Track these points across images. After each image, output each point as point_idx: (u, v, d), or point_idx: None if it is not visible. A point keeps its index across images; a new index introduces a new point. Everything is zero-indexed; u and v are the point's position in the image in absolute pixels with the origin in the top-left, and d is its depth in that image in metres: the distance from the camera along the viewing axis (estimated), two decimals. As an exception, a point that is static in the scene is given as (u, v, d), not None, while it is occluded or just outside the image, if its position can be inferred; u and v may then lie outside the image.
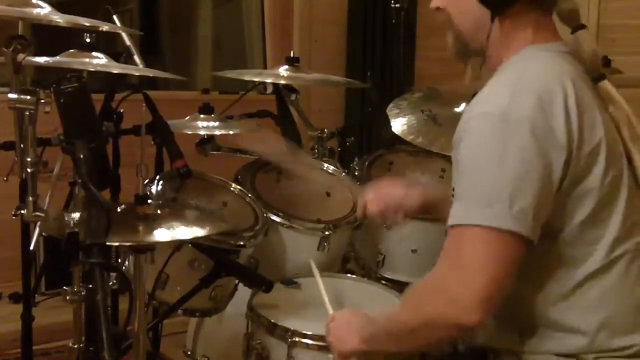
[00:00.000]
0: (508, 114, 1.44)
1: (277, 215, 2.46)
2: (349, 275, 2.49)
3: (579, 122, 1.48)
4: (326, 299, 2.01)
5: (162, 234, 1.76)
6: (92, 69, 1.96)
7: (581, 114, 1.49)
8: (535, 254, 1.49)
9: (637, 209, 1.58)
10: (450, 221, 1.48)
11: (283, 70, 2.75)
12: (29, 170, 1.73)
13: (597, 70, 1.64)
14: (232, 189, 2.52)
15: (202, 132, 2.61)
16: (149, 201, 1.82)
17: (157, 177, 2.34)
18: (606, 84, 1.64)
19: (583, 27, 1.65)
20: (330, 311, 1.96)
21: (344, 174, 2.78)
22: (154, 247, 1.78)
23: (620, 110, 1.62)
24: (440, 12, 1.70)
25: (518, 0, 1.58)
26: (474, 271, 1.41)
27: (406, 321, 1.57)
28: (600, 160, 1.51)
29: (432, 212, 2.07)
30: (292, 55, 2.79)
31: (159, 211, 1.83)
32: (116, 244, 1.73)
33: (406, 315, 1.58)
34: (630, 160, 1.61)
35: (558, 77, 1.52)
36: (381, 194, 2.10)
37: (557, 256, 1.54)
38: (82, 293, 1.83)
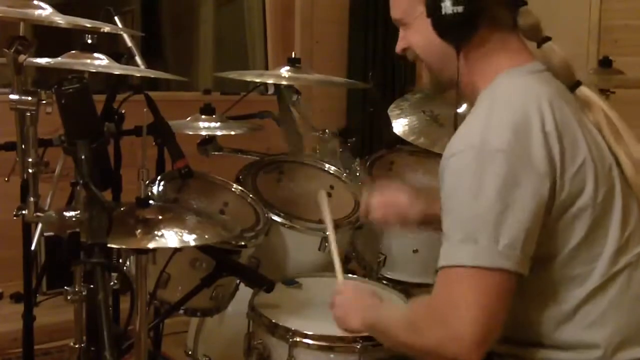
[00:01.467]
0: (482, 148, 1.43)
1: (279, 216, 2.46)
2: (350, 275, 2.49)
3: (560, 146, 1.46)
4: (337, 263, 2.04)
5: (162, 240, 1.76)
6: (94, 70, 1.97)
7: (561, 136, 1.47)
8: (534, 278, 1.47)
9: (633, 219, 1.55)
10: (440, 261, 1.46)
11: (284, 71, 2.75)
12: (30, 170, 1.73)
13: (571, 78, 1.63)
14: (233, 189, 2.52)
15: (203, 133, 2.62)
16: (151, 202, 1.83)
17: (159, 178, 2.35)
18: (583, 90, 1.62)
19: (548, 39, 1.63)
20: (341, 278, 2.00)
21: (345, 174, 2.78)
22: (155, 248, 1.79)
23: (598, 112, 1.60)
24: (408, 52, 1.71)
25: (476, 31, 1.56)
26: (467, 313, 1.40)
27: (401, 336, 1.58)
28: (589, 178, 1.48)
29: (432, 225, 2.04)
30: (293, 56, 2.79)
31: (160, 216, 1.83)
32: (117, 247, 1.73)
33: (406, 335, 1.56)
34: (617, 161, 1.58)
35: (534, 102, 1.49)
36: (386, 200, 2.09)
37: (557, 278, 1.51)
38: (84, 293, 1.83)
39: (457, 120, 1.62)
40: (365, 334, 1.83)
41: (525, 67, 1.60)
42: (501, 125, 1.45)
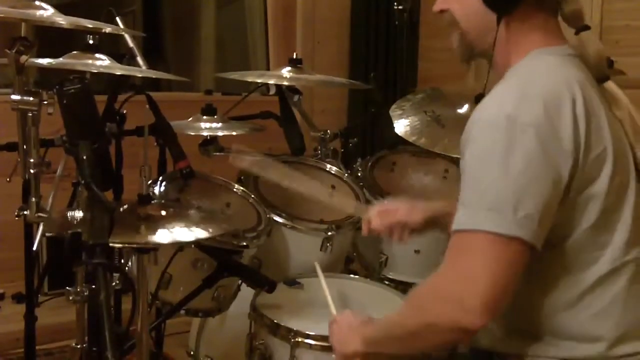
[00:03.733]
0: (514, 120, 1.43)
1: (280, 216, 2.46)
2: (352, 275, 2.49)
3: (586, 129, 1.47)
4: (330, 302, 2.01)
5: (164, 236, 1.76)
6: (95, 71, 1.96)
7: (589, 120, 1.48)
8: (543, 260, 1.49)
9: None
10: (455, 226, 1.46)
11: (286, 71, 2.75)
12: (32, 171, 1.74)
13: (602, 71, 1.64)
14: (235, 189, 2.52)
15: (205, 133, 2.61)
16: (153, 200, 1.83)
17: (160, 178, 2.35)
18: (610, 85, 1.64)
19: (587, 27, 1.63)
20: (334, 312, 1.96)
21: (346, 174, 2.78)
22: (157, 247, 1.79)
23: (623, 110, 1.62)
24: (445, 14, 1.70)
25: (523, 1, 1.57)
26: (478, 276, 1.40)
27: (408, 324, 1.56)
28: (607, 165, 1.50)
29: (436, 227, 2.05)
30: (295, 56, 2.79)
31: (162, 212, 1.83)
32: (119, 245, 1.73)
33: (408, 318, 1.57)
34: (635, 159, 1.60)
35: (566, 82, 1.51)
36: (386, 211, 2.10)
37: (564, 262, 1.52)
38: (85, 293, 1.84)
39: (486, 90, 1.61)
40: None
41: (560, 48, 1.61)
42: (534, 99, 1.46)
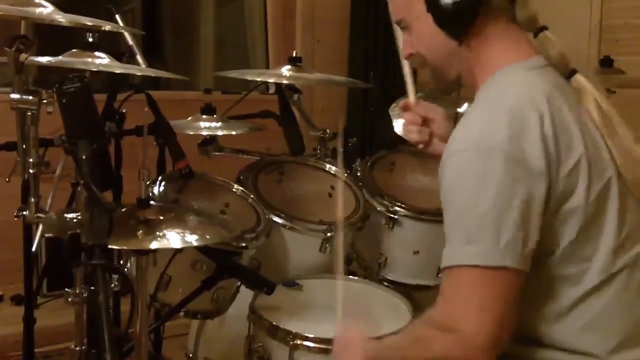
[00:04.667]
0: (479, 148, 1.43)
1: (279, 217, 2.45)
2: (351, 276, 2.48)
3: (556, 145, 1.45)
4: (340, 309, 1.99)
5: (162, 241, 1.75)
6: (95, 69, 1.96)
7: (557, 136, 1.46)
8: (531, 275, 1.47)
9: (629, 221, 1.54)
10: (443, 263, 1.45)
11: (285, 70, 2.74)
12: (31, 171, 1.73)
13: (566, 68, 1.62)
14: (234, 190, 2.51)
15: (204, 133, 2.61)
16: (152, 203, 1.82)
17: (159, 178, 2.34)
18: (578, 79, 1.61)
19: (545, 29, 1.63)
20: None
21: (346, 174, 2.77)
22: (157, 248, 1.78)
23: (590, 101, 1.59)
24: (414, 57, 1.71)
25: (477, 19, 1.56)
26: (476, 313, 1.39)
27: (410, 357, 1.53)
28: (582, 176, 1.47)
29: None
30: (294, 55, 2.78)
31: (161, 217, 1.82)
32: (118, 247, 1.72)
33: (413, 353, 1.53)
34: (612, 157, 1.56)
35: (532, 102, 1.48)
36: (425, 117, 2.00)
37: (552, 276, 1.51)
38: (84, 295, 1.83)
39: (458, 119, 1.61)
40: None
41: (526, 62, 1.59)
42: (497, 123, 1.45)
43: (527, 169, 1.42)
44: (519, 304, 1.47)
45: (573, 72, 1.62)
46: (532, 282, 1.49)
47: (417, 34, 1.67)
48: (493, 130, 1.44)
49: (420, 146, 2.03)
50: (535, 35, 1.63)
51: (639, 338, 1.53)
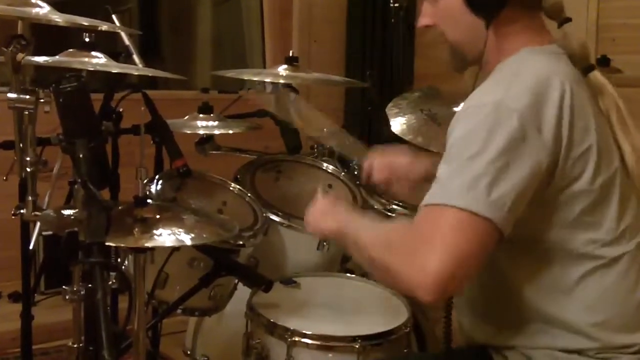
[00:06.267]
0: (500, 105, 1.44)
1: (277, 215, 2.46)
2: (348, 274, 2.49)
3: (570, 124, 1.47)
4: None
5: (158, 240, 1.76)
6: (92, 69, 1.96)
7: (574, 115, 1.48)
8: (530, 256, 1.50)
9: (630, 213, 1.56)
10: (427, 200, 1.46)
11: (282, 69, 2.75)
12: (28, 169, 1.74)
13: (587, 60, 1.64)
14: (231, 188, 2.52)
15: (201, 132, 2.61)
16: (149, 201, 1.82)
17: (157, 177, 2.35)
18: (596, 75, 1.63)
19: (569, 20, 1.64)
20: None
21: (343, 173, 2.78)
22: (153, 247, 1.78)
23: (609, 99, 1.61)
24: (431, 29, 1.70)
25: (507, 6, 1.58)
26: (442, 250, 1.38)
27: (375, 254, 1.55)
28: (590, 164, 1.49)
29: None
30: (291, 54, 2.79)
31: (158, 215, 1.83)
32: (115, 245, 1.73)
33: (376, 251, 1.55)
34: (620, 152, 1.59)
35: (557, 77, 1.51)
36: (387, 161, 2.09)
37: (551, 257, 1.53)
38: (82, 292, 1.83)
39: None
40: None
41: (548, 47, 1.62)
42: (523, 88, 1.47)
43: (538, 138, 1.44)
44: (521, 282, 1.51)
45: (592, 66, 1.64)
46: (532, 263, 1.53)
47: (443, 9, 1.66)
48: (514, 94, 1.46)
49: (382, 186, 2.14)
50: (560, 25, 1.65)
51: (637, 324, 1.56)
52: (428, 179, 2.00)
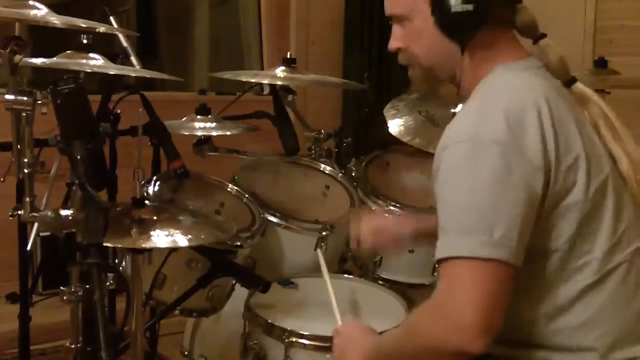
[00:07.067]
0: (476, 140, 1.43)
1: (274, 216, 2.46)
2: (346, 275, 2.49)
3: (555, 141, 1.46)
4: (335, 307, 2.01)
5: (155, 241, 1.76)
6: (89, 70, 1.96)
7: (556, 131, 1.47)
8: (526, 273, 1.48)
9: (626, 217, 1.55)
10: (437, 255, 1.46)
11: (280, 71, 2.74)
12: (26, 170, 1.73)
13: (567, 74, 1.63)
14: (229, 189, 2.52)
15: (199, 133, 2.61)
16: (147, 202, 1.83)
17: (154, 178, 2.35)
18: (579, 86, 1.63)
19: (544, 36, 1.64)
20: (338, 318, 1.96)
21: (340, 174, 2.78)
22: (150, 248, 1.78)
23: (595, 108, 1.61)
24: (403, 52, 1.70)
25: (484, 25, 1.57)
26: (468, 303, 1.38)
27: (408, 348, 1.55)
28: (581, 174, 1.49)
29: (427, 240, 1.97)
30: (288, 56, 2.78)
31: (155, 217, 1.83)
32: (112, 245, 1.73)
33: (408, 342, 1.55)
34: (612, 158, 1.59)
35: (530, 96, 1.50)
36: (375, 227, 2.10)
37: (549, 273, 1.52)
38: (80, 293, 1.84)
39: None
40: None
41: (522, 62, 1.61)
42: (495, 115, 1.46)
43: (524, 162, 1.43)
44: (515, 303, 1.47)
45: (574, 79, 1.64)
46: (530, 279, 1.51)
47: (415, 32, 1.65)
48: (489, 123, 1.45)
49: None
50: (535, 42, 1.65)
51: (637, 334, 1.54)
52: (417, 238, 2.05)
